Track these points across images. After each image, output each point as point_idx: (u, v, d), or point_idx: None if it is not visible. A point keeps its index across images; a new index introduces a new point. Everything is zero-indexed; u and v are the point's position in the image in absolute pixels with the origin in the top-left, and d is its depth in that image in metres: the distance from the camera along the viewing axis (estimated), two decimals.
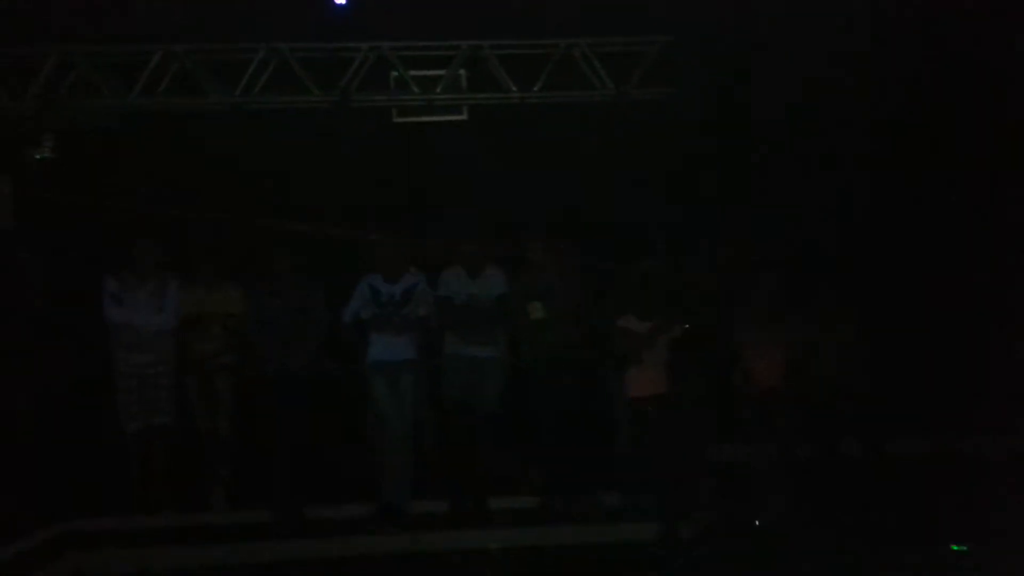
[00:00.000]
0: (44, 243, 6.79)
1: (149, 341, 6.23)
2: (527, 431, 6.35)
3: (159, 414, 6.25)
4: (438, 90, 7.34)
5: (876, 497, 6.04)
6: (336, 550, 5.82)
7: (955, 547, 5.28)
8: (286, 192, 7.48)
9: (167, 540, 5.89)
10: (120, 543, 5.84)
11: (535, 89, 7.36)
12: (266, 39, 7.16)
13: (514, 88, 7.34)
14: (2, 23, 6.75)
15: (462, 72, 7.35)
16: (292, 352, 6.23)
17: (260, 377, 6.28)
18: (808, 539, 5.64)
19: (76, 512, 6.05)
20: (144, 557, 5.70)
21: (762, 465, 6.19)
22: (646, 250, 6.63)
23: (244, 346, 6.39)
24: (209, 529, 6.06)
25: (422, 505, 6.19)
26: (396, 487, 6.11)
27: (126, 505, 6.18)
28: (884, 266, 7.32)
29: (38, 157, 7.14)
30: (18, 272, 6.32)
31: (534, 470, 6.37)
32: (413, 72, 7.30)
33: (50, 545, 5.70)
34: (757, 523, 5.95)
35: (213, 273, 6.45)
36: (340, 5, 6.91)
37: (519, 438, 6.42)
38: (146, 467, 6.23)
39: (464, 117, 7.47)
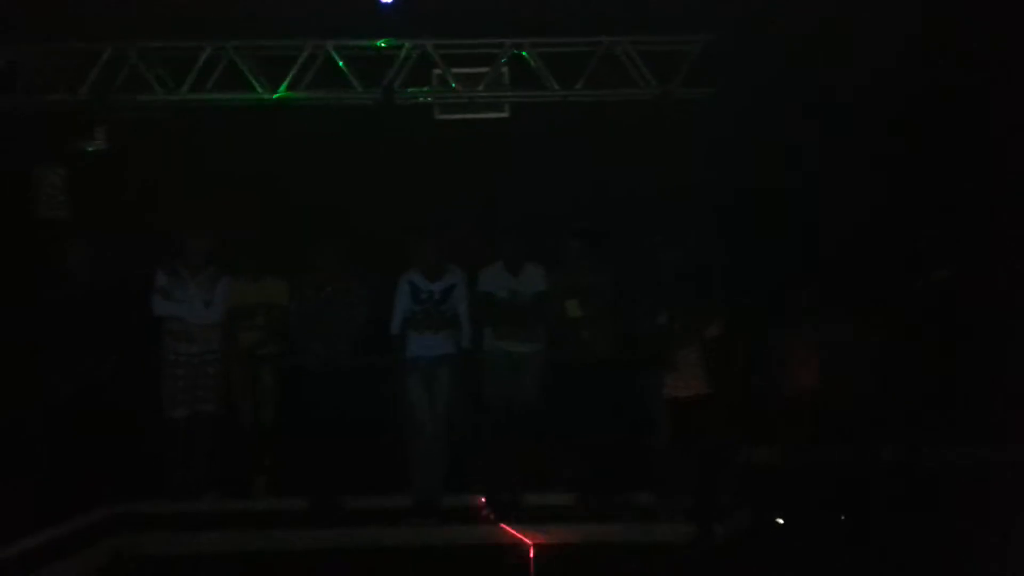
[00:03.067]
0: (96, 233, 6.95)
1: (197, 332, 6.38)
2: (563, 428, 6.37)
3: (204, 402, 6.40)
4: (480, 88, 7.39)
5: (911, 504, 5.97)
6: (373, 540, 5.89)
7: None
8: (329, 187, 7.58)
9: (208, 525, 6.02)
10: (162, 527, 5.98)
11: (577, 87, 7.37)
12: (312, 36, 7.27)
13: (556, 86, 7.36)
14: (59, 20, 6.94)
15: (504, 70, 7.38)
16: (334, 344, 6.33)
17: (302, 368, 6.38)
18: (841, 543, 5.60)
19: (120, 496, 6.21)
20: (185, 541, 5.84)
21: (797, 468, 6.15)
22: (685, 248, 6.60)
23: (287, 337, 6.50)
24: (249, 516, 6.17)
25: (457, 499, 6.25)
26: (428, 482, 6.18)
27: (169, 490, 6.32)
28: (921, 269, 7.19)
29: (91, 149, 7.33)
30: (70, 261, 6.50)
31: (569, 467, 6.39)
32: (456, 70, 7.36)
33: (94, 528, 5.85)
34: (789, 526, 5.91)
35: (258, 265, 6.57)
36: (385, 4, 6.98)
37: (555, 435, 6.44)
38: (190, 453, 6.38)
39: (506, 114, 7.51)
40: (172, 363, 6.38)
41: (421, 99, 7.46)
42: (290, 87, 7.36)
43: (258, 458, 6.50)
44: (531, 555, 5.75)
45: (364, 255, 6.75)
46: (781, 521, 5.95)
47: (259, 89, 7.37)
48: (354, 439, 6.33)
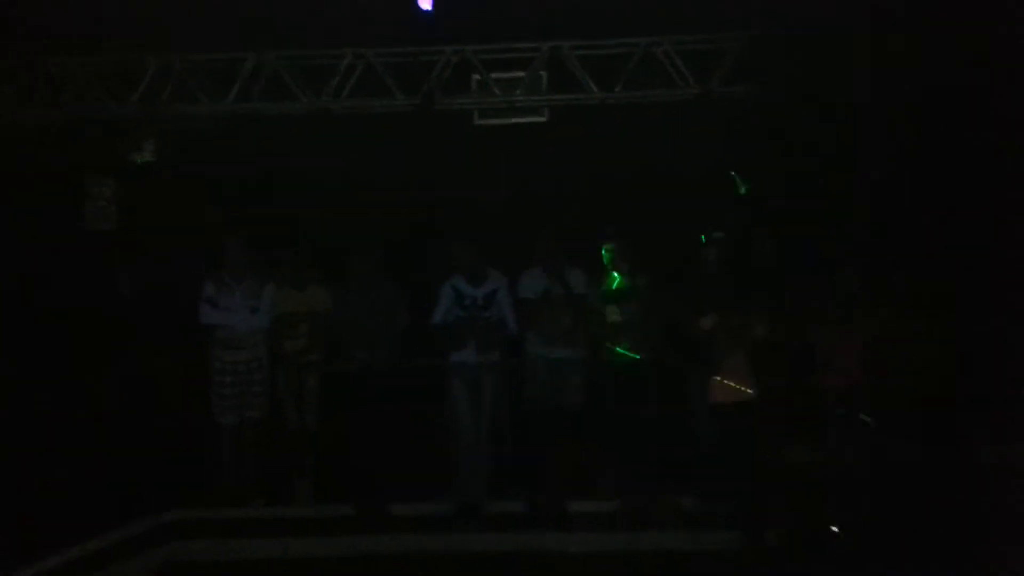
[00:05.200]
0: (143, 243, 7.09)
1: (244, 339, 6.47)
2: (606, 433, 6.34)
3: (252, 408, 6.49)
4: (519, 92, 7.36)
5: (960, 503, 5.81)
6: (416, 546, 5.93)
7: None
8: (370, 194, 7.64)
9: (256, 531, 6.10)
10: (211, 533, 6.08)
11: (616, 89, 7.30)
12: (353, 45, 7.32)
13: (595, 88, 7.30)
14: (105, 32, 7.09)
15: (543, 73, 7.35)
16: (376, 350, 6.38)
17: (346, 374, 6.44)
18: (890, 545, 5.48)
19: (172, 503, 6.32)
20: (234, 548, 5.93)
21: (844, 469, 6.04)
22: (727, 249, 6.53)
23: (330, 344, 6.56)
24: (296, 522, 6.24)
25: (500, 505, 6.26)
26: (472, 487, 6.19)
27: (219, 496, 6.42)
28: (968, 263, 6.99)
29: (139, 161, 7.46)
30: (116, 271, 6.63)
31: (612, 473, 6.35)
32: (495, 74, 7.34)
33: (145, 534, 5.96)
34: (838, 530, 5.80)
35: (301, 273, 6.64)
36: (425, 11, 6.99)
37: (598, 440, 6.41)
38: (238, 459, 6.47)
39: (544, 118, 7.47)
40: (220, 371, 6.48)
41: (460, 105, 7.45)
42: (333, 95, 7.41)
43: (303, 463, 6.57)
44: (575, 562, 5.74)
45: (405, 261, 6.79)
46: (831, 526, 5.84)
47: (302, 98, 7.43)
48: (397, 444, 6.37)
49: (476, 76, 7.38)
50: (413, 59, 7.37)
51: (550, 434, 6.30)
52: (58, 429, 6.56)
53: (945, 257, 6.91)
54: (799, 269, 6.50)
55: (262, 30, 7.21)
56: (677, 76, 7.28)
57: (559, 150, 7.60)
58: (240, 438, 6.46)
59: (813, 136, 7.24)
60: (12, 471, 6.11)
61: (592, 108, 7.40)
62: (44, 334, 6.94)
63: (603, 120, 7.42)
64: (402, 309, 6.48)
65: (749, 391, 5.96)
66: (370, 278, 6.47)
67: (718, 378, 6.00)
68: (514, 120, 7.46)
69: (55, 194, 7.64)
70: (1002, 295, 6.82)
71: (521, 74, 7.35)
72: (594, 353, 6.36)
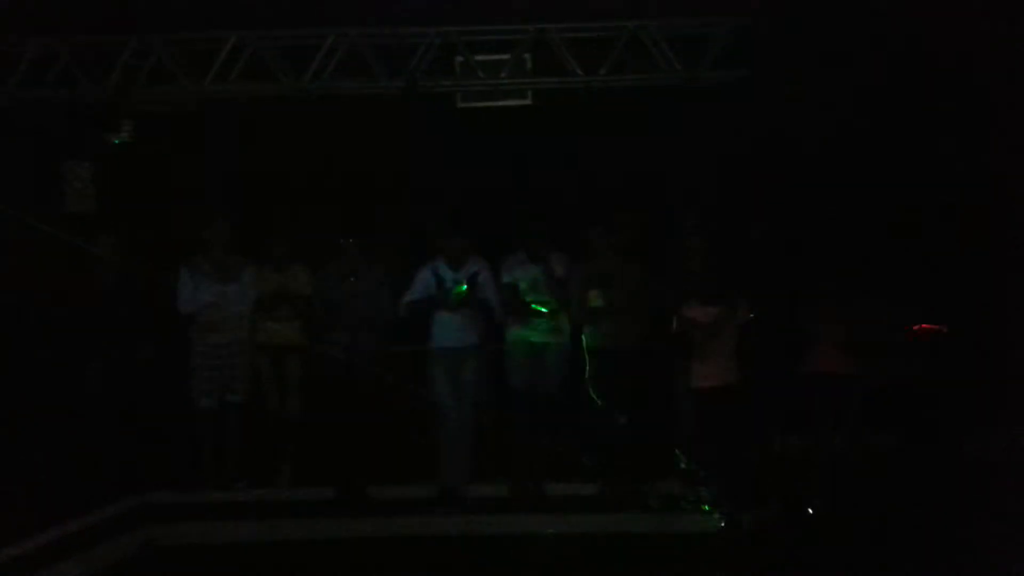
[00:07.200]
0: (122, 226, 7.01)
1: (224, 322, 6.43)
2: (587, 417, 6.34)
3: (232, 392, 6.46)
4: (503, 75, 7.30)
5: (944, 490, 5.85)
6: (397, 529, 5.94)
7: None
8: (351, 176, 7.59)
9: (236, 514, 6.10)
10: (190, 516, 6.07)
11: (601, 73, 7.26)
12: (335, 25, 7.24)
13: (579, 72, 7.26)
14: (83, 12, 6.99)
15: (527, 56, 7.29)
16: (358, 333, 6.35)
17: (328, 358, 6.41)
18: (872, 531, 5.52)
19: (150, 485, 6.29)
20: (213, 530, 5.91)
21: (828, 455, 6.08)
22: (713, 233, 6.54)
23: (313, 327, 6.52)
24: (276, 505, 6.25)
25: (481, 488, 6.27)
26: (455, 471, 6.19)
27: (197, 479, 6.39)
28: (957, 251, 7.02)
29: (116, 142, 7.37)
30: (96, 254, 6.55)
31: (593, 456, 6.36)
32: (478, 57, 7.28)
33: (124, 517, 5.95)
34: (818, 513, 5.84)
35: (284, 256, 6.59)
36: None
37: (579, 424, 6.42)
38: (219, 443, 6.45)
39: (528, 101, 7.41)
40: (201, 354, 6.44)
41: (444, 87, 7.38)
42: (314, 77, 7.34)
43: (283, 447, 6.55)
44: (555, 545, 5.76)
45: (386, 245, 6.76)
46: (811, 511, 5.88)
47: (282, 79, 7.35)
48: (379, 428, 6.35)
49: (460, 58, 7.32)
50: (396, 40, 7.29)
51: (531, 418, 6.29)
52: (38, 412, 6.51)
53: (937, 251, 6.94)
54: (789, 259, 6.51)
55: (242, 9, 7.12)
56: (663, 61, 7.24)
57: (544, 133, 7.55)
58: (220, 422, 6.43)
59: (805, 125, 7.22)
60: None
61: (578, 92, 7.34)
62: (20, 318, 6.87)
63: (589, 104, 7.37)
64: (388, 295, 6.45)
65: (731, 377, 5.98)
66: (356, 263, 6.43)
67: (699, 363, 6.02)
68: (498, 103, 7.39)
69: (32, 177, 7.55)
70: (996, 288, 6.87)
71: (505, 56, 7.28)
72: (576, 338, 6.35)
